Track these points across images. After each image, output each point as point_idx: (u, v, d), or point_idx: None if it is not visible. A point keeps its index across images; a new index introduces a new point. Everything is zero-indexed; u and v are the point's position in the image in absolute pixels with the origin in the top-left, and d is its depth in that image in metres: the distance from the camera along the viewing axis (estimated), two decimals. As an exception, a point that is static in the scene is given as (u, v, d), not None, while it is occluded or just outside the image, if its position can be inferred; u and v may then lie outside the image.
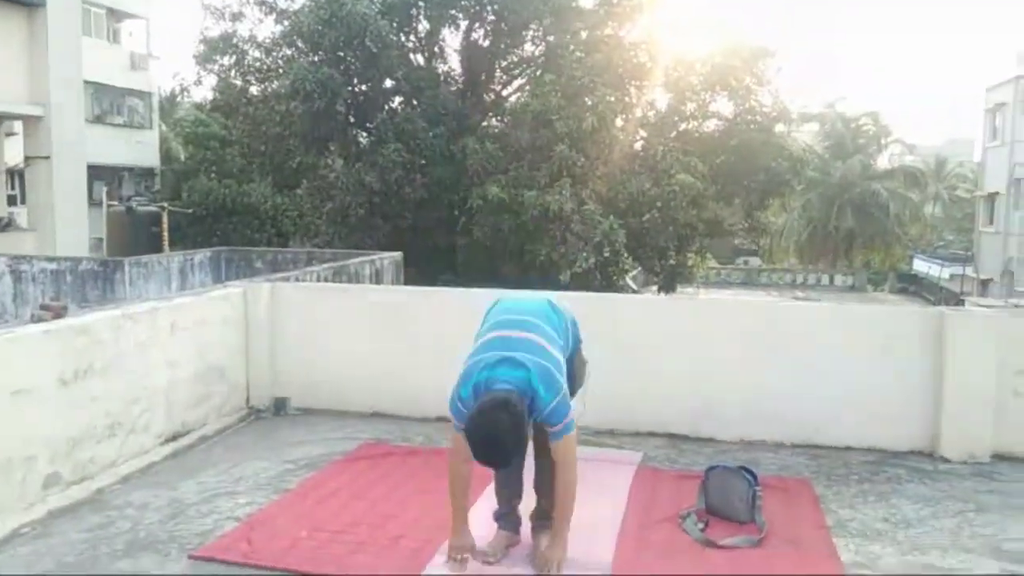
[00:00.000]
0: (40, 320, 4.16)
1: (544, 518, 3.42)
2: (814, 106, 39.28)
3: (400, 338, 5.61)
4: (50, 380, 3.97)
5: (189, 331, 5.06)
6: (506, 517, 3.47)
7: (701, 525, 3.73)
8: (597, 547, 3.53)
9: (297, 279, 7.82)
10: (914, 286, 38.54)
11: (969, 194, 40.41)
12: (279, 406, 5.68)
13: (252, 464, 4.60)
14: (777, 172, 17.99)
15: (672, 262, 18.05)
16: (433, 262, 15.95)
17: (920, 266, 40.55)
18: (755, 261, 44.06)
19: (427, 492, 4.14)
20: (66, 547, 3.52)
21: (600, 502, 4.02)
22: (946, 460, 4.72)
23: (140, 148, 27.41)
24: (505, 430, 2.97)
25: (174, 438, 4.90)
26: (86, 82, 20.79)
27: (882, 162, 41.95)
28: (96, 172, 22.44)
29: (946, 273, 36.07)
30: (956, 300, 26.98)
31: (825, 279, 39.54)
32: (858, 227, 37.91)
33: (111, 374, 4.37)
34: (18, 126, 16.25)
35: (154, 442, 4.73)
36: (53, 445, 3.99)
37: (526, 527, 3.51)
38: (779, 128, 18.84)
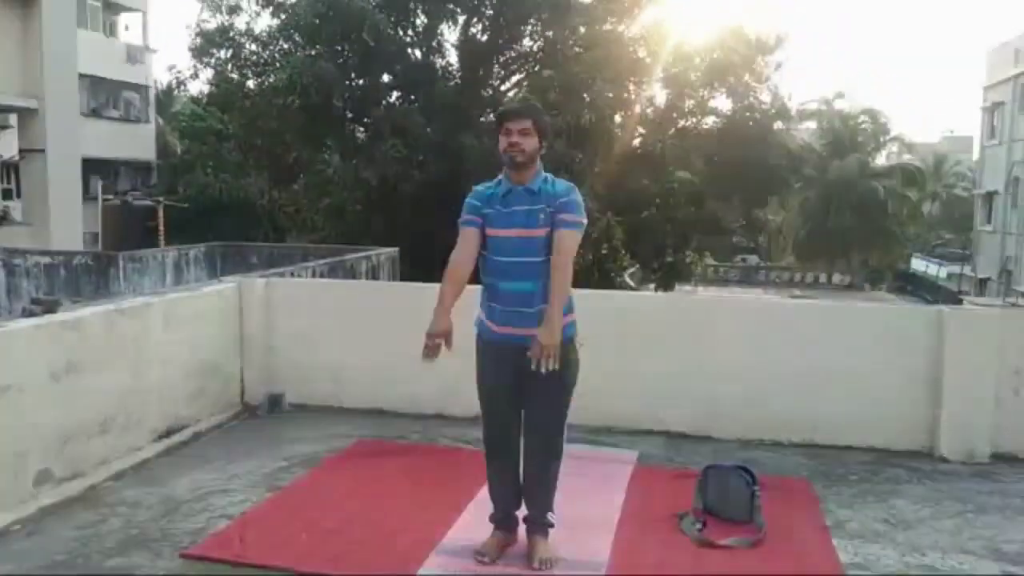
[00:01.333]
0: (31, 314, 4.10)
1: (539, 521, 3.38)
2: (812, 103, 39.39)
3: (396, 334, 5.53)
4: (41, 375, 3.92)
5: (183, 326, 5.01)
6: (502, 519, 3.43)
7: (699, 525, 3.69)
8: (593, 546, 3.50)
9: (293, 274, 7.78)
10: (912, 285, 38.60)
11: (967, 193, 40.48)
12: (274, 402, 5.64)
13: (246, 461, 4.56)
14: (775, 170, 17.96)
15: (670, 259, 18.03)
16: (430, 258, 15.86)
17: (918, 265, 40.63)
18: (753, 259, 44.10)
19: (422, 490, 4.11)
20: (58, 545, 3.48)
21: (596, 501, 3.99)
22: (945, 460, 4.70)
23: (136, 142, 27.31)
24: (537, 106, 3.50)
25: (167, 434, 4.85)
26: (82, 75, 20.69)
27: (880, 160, 41.96)
28: (92, 166, 22.37)
29: (944, 272, 36.15)
30: (954, 299, 27.01)
31: (823, 277, 39.60)
32: (856, 225, 37.91)
33: (103, 369, 4.32)
34: (13, 119, 16.17)
35: (147, 438, 4.69)
36: (45, 441, 3.94)
37: (521, 529, 3.46)
38: (778, 125, 18.81)
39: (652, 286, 19.81)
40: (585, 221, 3.32)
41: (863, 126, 40.06)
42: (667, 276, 18.74)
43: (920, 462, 4.69)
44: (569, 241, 3.23)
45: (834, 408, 4.94)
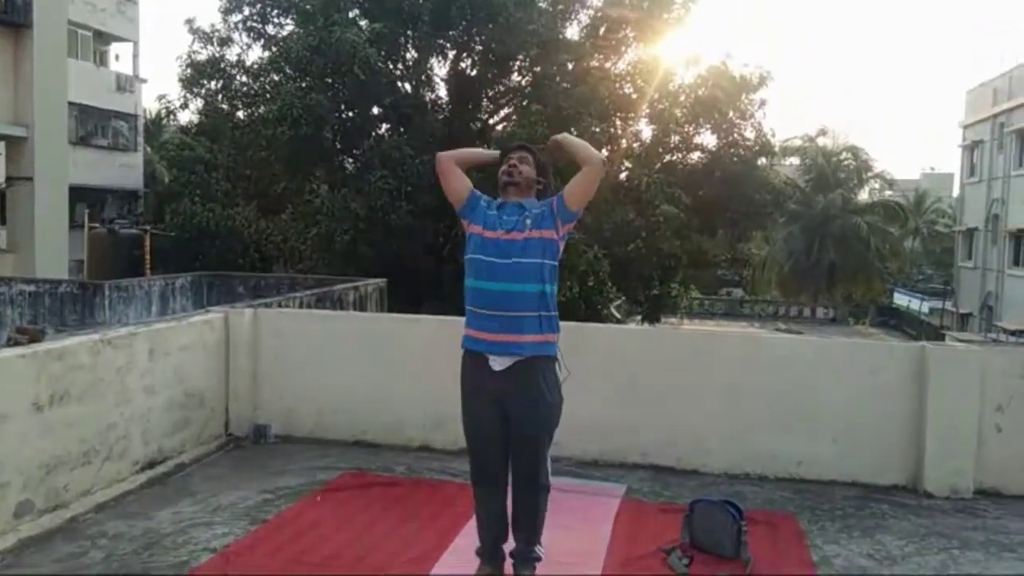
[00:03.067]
0: (16, 343, 4.07)
1: (525, 554, 3.36)
2: (796, 140, 39.97)
3: (383, 366, 5.56)
4: (24, 405, 3.89)
5: (168, 356, 4.99)
6: (489, 553, 3.41)
7: (686, 560, 3.68)
8: (581, 582, 3.48)
9: (280, 304, 7.75)
10: (894, 319, 38.93)
11: (948, 229, 41.01)
12: (259, 433, 5.60)
13: (230, 493, 4.52)
14: (759, 204, 18.18)
15: (656, 292, 18.12)
16: (418, 289, 15.90)
17: (900, 299, 41.02)
18: (738, 292, 44.34)
19: (409, 524, 4.08)
20: (36, 578, 3.42)
21: (584, 535, 3.98)
22: (929, 495, 4.72)
23: (124, 171, 27.27)
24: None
25: (151, 465, 4.80)
26: (71, 104, 20.70)
27: (863, 196, 42.53)
28: (79, 194, 22.29)
29: (926, 307, 36.51)
30: (936, 334, 27.27)
31: (807, 311, 39.86)
32: (839, 260, 38.29)
33: (88, 400, 4.29)
34: (1, 147, 16.14)
35: (130, 470, 4.64)
36: (26, 472, 3.89)
37: (508, 563, 3.44)
38: (762, 161, 19.07)
39: (638, 318, 19.88)
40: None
41: (846, 162, 40.65)
42: (653, 308, 18.82)
43: (905, 497, 4.71)
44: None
45: (819, 443, 4.97)
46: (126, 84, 27.28)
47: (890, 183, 44.05)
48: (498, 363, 3.25)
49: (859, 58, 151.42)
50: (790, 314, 39.67)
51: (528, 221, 3.31)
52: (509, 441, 3.32)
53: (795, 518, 4.33)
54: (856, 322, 39.15)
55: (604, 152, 15.90)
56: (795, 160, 41.42)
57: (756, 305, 41.08)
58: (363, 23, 16.58)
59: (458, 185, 3.46)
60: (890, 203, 41.27)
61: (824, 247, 38.17)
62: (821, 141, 40.32)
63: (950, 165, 47.89)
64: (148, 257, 15.76)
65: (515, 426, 3.27)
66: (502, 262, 3.26)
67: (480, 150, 3.67)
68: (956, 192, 39.47)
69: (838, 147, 40.61)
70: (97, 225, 17.89)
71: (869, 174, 41.85)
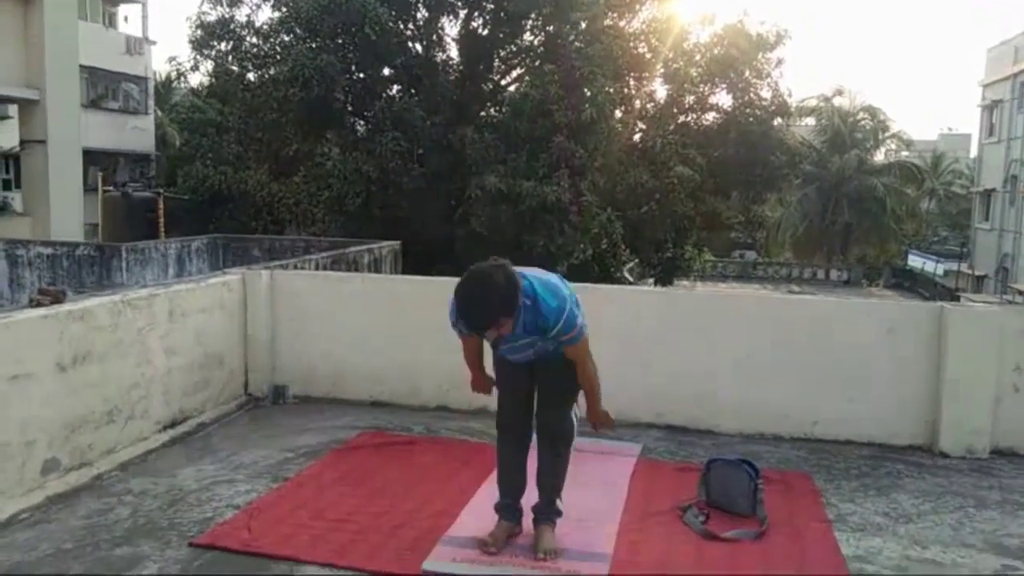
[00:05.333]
0: (38, 305, 4.11)
1: (546, 511, 3.41)
2: (812, 100, 39.40)
3: (399, 327, 5.59)
4: (48, 365, 3.94)
5: (188, 317, 5.03)
6: (508, 508, 3.46)
7: (702, 518, 3.72)
8: (597, 538, 3.52)
9: (296, 267, 7.78)
10: (909, 281, 38.66)
11: (965, 190, 40.51)
12: (278, 394, 5.66)
13: (251, 452, 4.59)
14: (775, 166, 18.00)
15: (669, 254, 18.06)
16: (430, 252, 15.91)
17: (915, 262, 40.67)
18: (751, 255, 44.12)
19: (427, 481, 4.14)
20: (65, 533, 3.50)
21: (599, 494, 4.02)
22: (945, 455, 4.73)
23: (136, 133, 27.23)
24: (495, 284, 2.96)
25: (172, 425, 4.87)
26: (81, 67, 20.61)
27: (879, 157, 42.00)
28: (92, 157, 22.31)
29: (941, 269, 36.20)
30: (951, 296, 27.09)
31: (820, 273, 39.64)
32: (854, 222, 37.98)
33: (109, 360, 4.34)
34: (13, 110, 16.12)
35: (152, 429, 4.71)
36: (51, 431, 3.96)
37: (528, 518, 3.49)
38: (777, 122, 18.83)
39: (651, 281, 19.85)
40: (582, 324, 3.25)
41: (862, 123, 40.08)
42: (666, 271, 18.77)
43: (920, 457, 4.73)
44: (578, 352, 3.32)
45: (835, 403, 4.97)
46: (135, 46, 27.11)
47: (907, 144, 43.47)
48: None
49: (877, 16, 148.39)
50: (803, 276, 39.46)
51: (539, 344, 3.29)
52: (536, 390, 3.40)
53: (811, 477, 4.36)
54: (870, 284, 38.92)
55: (618, 113, 15.76)
56: (811, 121, 40.89)
57: (769, 267, 40.87)
58: (374, -19, 16.34)
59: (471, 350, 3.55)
60: (907, 164, 40.74)
61: (839, 209, 37.85)
62: (837, 101, 39.76)
63: (968, 125, 47.12)
64: (162, 220, 15.82)
65: (544, 370, 3.34)
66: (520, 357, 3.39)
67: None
68: (974, 153, 38.93)
69: (855, 107, 40.02)
70: (111, 188, 17.96)
71: (886, 135, 41.28)
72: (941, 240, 44.48)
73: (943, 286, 33.29)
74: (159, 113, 29.19)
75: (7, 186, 18.53)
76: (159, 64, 28.86)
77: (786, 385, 5.03)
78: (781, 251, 42.42)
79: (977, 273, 31.88)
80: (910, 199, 39.58)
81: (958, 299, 25.12)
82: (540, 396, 3.38)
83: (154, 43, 29.02)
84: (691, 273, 21.43)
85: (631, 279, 23.19)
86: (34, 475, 3.85)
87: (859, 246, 40.04)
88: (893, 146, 43.52)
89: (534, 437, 3.46)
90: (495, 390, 3.56)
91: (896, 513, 3.89)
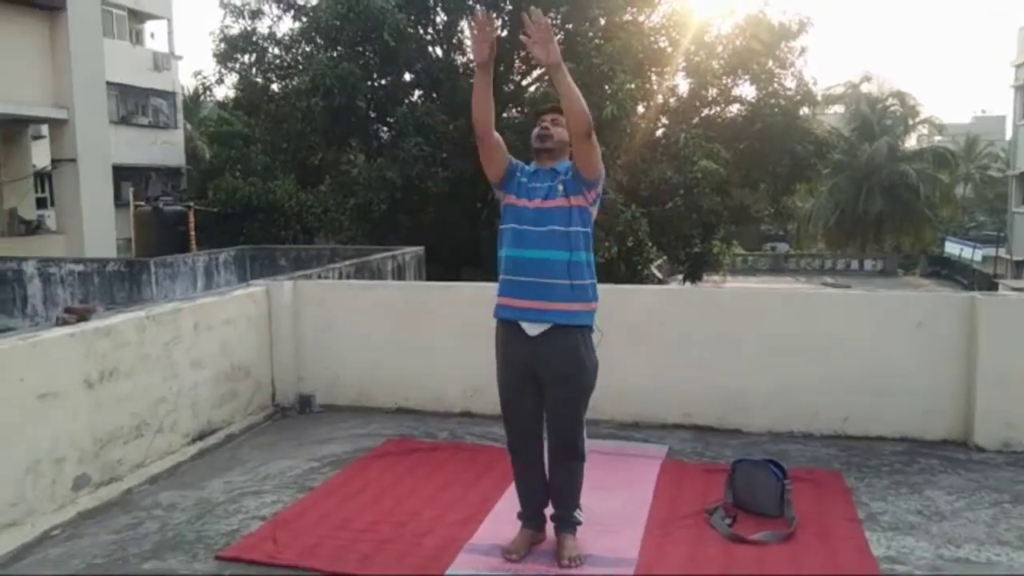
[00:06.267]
0: (65, 323, 4.18)
1: (566, 519, 3.38)
2: (839, 87, 38.84)
3: (422, 333, 5.60)
4: (76, 382, 4.01)
5: (213, 330, 5.09)
6: (529, 517, 3.44)
7: (729, 520, 3.67)
8: (622, 542, 3.49)
9: (319, 276, 7.84)
10: (946, 269, 37.97)
11: (1001, 173, 39.64)
12: (304, 403, 5.71)
13: (278, 462, 4.62)
14: (802, 156, 17.73)
15: (697, 250, 17.89)
16: (456, 255, 15.95)
17: (952, 248, 39.93)
18: (783, 247, 43.66)
19: (451, 489, 4.13)
20: (95, 548, 3.55)
21: (625, 497, 3.98)
22: (981, 449, 4.62)
23: (166, 148, 27.70)
24: None
25: (201, 437, 4.93)
26: (111, 84, 21.02)
27: (911, 143, 41.28)
28: (123, 173, 22.74)
29: (979, 255, 35.50)
30: (989, 283, 26.52)
31: (855, 264, 39.10)
32: (887, 210, 37.36)
33: (137, 375, 4.40)
34: (44, 130, 16.49)
35: (181, 442, 4.77)
36: (81, 447, 4.02)
37: (549, 526, 3.47)
38: (803, 111, 18.56)
39: (680, 277, 19.70)
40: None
41: (892, 109, 39.42)
42: (694, 267, 18.60)
43: (955, 452, 4.62)
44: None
45: (866, 398, 4.88)
46: (162, 62, 27.56)
47: (939, 128, 42.64)
48: (532, 328, 3.24)
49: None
50: (837, 267, 38.92)
51: (560, 187, 3.28)
52: (544, 410, 3.32)
53: (841, 475, 4.28)
54: (906, 273, 38.31)
55: (640, 108, 15.65)
56: (839, 108, 40.31)
57: (802, 259, 40.38)
58: (392, -12, 16.44)
59: (499, 161, 3.36)
60: (939, 149, 39.97)
61: (871, 197, 37.26)
62: (865, 88, 39.18)
63: (1003, 107, 46.04)
64: (192, 233, 16.05)
65: (550, 394, 3.27)
66: (534, 230, 3.24)
67: (476, 88, 3.23)
68: (1009, 135, 38.04)
69: (883, 93, 39.38)
70: (142, 203, 18.26)
71: (917, 120, 40.55)
72: (979, 225, 43.60)
73: (981, 273, 32.61)
74: (188, 127, 29.67)
75: (43, 204, 18.96)
76: (186, 79, 29.35)
77: (814, 382, 4.95)
78: (813, 242, 41.91)
79: (1016, 258, 31.16)
80: (944, 185, 38.84)
81: (996, 286, 24.58)
82: (550, 415, 3.32)
83: (180, 58, 29.58)
84: (721, 268, 21.19)
85: (660, 276, 23.05)
86: (65, 491, 3.91)
87: (893, 235, 39.38)
88: (925, 131, 42.75)
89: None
90: (503, 412, 3.44)
91: (929, 511, 3.80)
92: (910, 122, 40.26)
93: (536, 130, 3.37)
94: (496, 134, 3.36)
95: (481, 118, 3.29)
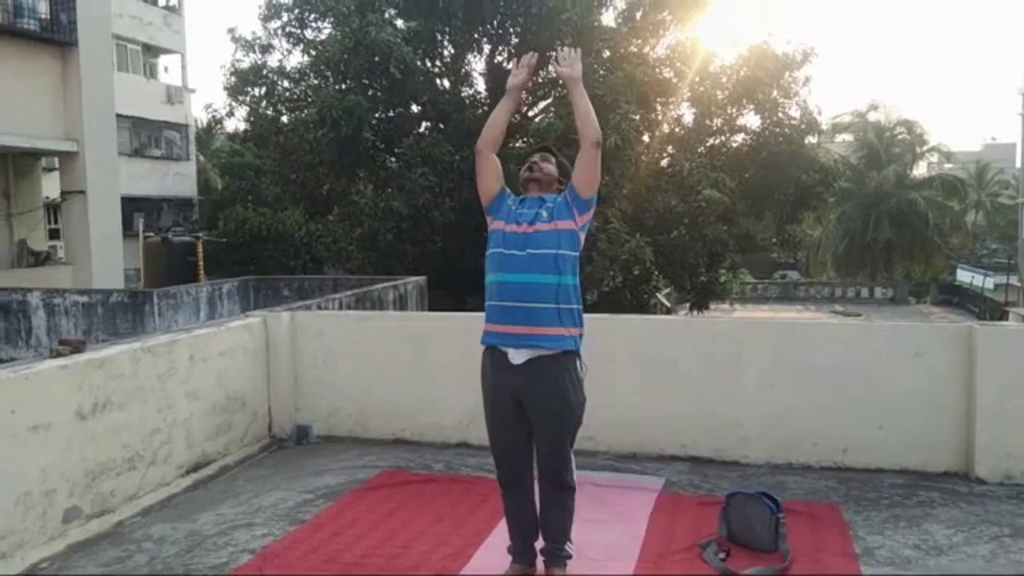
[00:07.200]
0: (59, 355, 4.19)
1: (556, 553, 3.34)
2: (846, 116, 38.95)
3: (420, 364, 5.59)
4: (69, 414, 4.01)
5: (209, 361, 5.09)
6: (519, 552, 3.40)
7: (722, 555, 3.61)
8: (613, 577, 3.44)
9: (320, 306, 7.86)
10: (957, 297, 37.70)
11: (1012, 200, 39.51)
12: (301, 434, 5.68)
13: (271, 494, 4.59)
14: (808, 185, 17.76)
15: (703, 279, 17.85)
16: (462, 285, 15.97)
17: (963, 276, 39.67)
18: (793, 275, 43.50)
19: (443, 522, 4.09)
20: (82, 582, 3.53)
21: (618, 530, 3.94)
22: (982, 482, 4.55)
23: (178, 179, 28.02)
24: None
25: (195, 469, 4.91)
26: (125, 117, 21.35)
27: (919, 171, 41.25)
28: (136, 204, 23.02)
29: (990, 283, 35.25)
30: (1000, 310, 26.30)
31: (864, 292, 38.86)
32: (897, 238, 37.23)
33: (130, 407, 4.40)
34: (55, 162, 16.69)
35: (175, 473, 4.75)
36: (73, 479, 4.02)
37: (540, 561, 3.42)
38: (808, 140, 18.61)
39: (687, 306, 19.64)
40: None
41: (899, 137, 39.44)
42: (701, 296, 18.55)
43: (956, 484, 4.55)
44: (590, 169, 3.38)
45: (865, 430, 4.82)
46: (175, 95, 27.98)
47: (948, 156, 42.63)
48: (517, 356, 3.22)
49: (910, 28, 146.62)
50: (847, 295, 38.70)
51: (544, 214, 3.30)
52: (532, 441, 3.30)
53: (839, 508, 4.21)
54: (917, 301, 38.04)
55: (645, 138, 15.74)
56: (848, 137, 40.39)
57: (812, 287, 40.20)
58: (399, 23, 16.69)
59: (491, 181, 3.46)
60: (948, 177, 39.95)
61: (880, 225, 37.17)
62: (872, 116, 39.24)
63: (1013, 134, 45.99)
64: (201, 263, 16.15)
65: (536, 426, 3.25)
66: (519, 254, 3.25)
67: (499, 109, 3.54)
68: (1019, 162, 37.98)
69: (890, 122, 39.45)
70: (152, 234, 18.43)
71: (925, 148, 40.55)
72: (990, 253, 43.35)
73: (992, 300, 32.35)
74: (201, 158, 30.02)
75: (55, 235, 19.13)
76: (199, 111, 29.74)
77: (813, 413, 4.90)
78: (823, 270, 41.74)
79: (1027, 285, 30.94)
80: (954, 212, 38.75)
81: (1007, 314, 24.37)
82: (537, 446, 3.30)
83: (193, 91, 29.98)
84: (728, 296, 21.13)
85: (668, 304, 22.99)
86: (55, 523, 3.90)
87: (904, 262, 39.20)
88: (934, 159, 42.73)
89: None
90: (491, 446, 3.45)
91: (927, 545, 3.73)
92: (918, 150, 40.26)
93: (525, 165, 3.47)
94: (495, 156, 3.48)
95: (490, 135, 3.48)
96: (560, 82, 17.26)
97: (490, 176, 3.46)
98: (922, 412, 4.75)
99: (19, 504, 3.71)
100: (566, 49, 3.48)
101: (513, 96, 3.51)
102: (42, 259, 15.96)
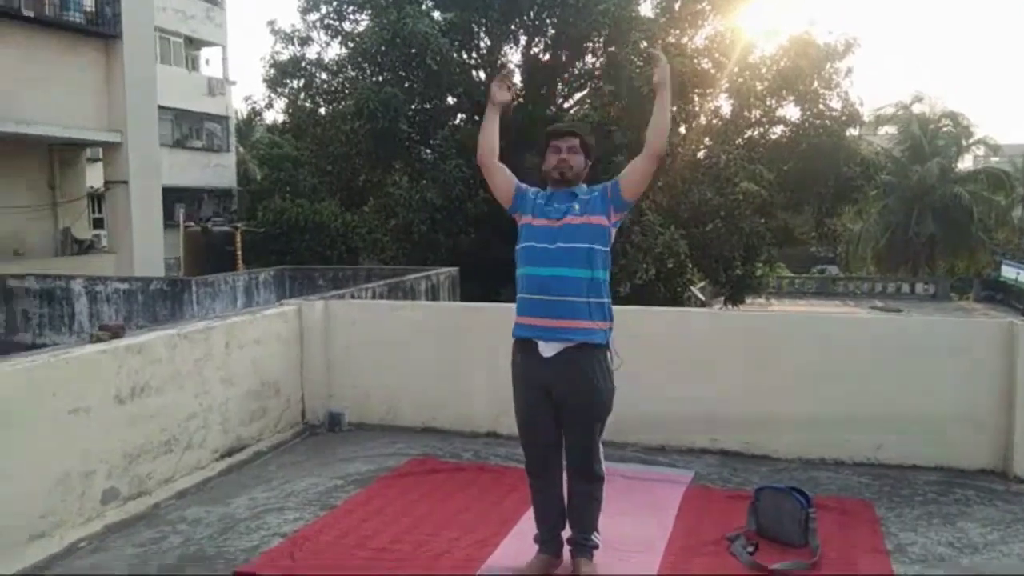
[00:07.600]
0: (99, 340, 4.30)
1: (583, 543, 3.34)
2: (890, 108, 38.12)
3: (451, 353, 5.63)
4: (107, 398, 4.11)
5: (244, 348, 5.18)
6: (546, 541, 3.41)
7: (750, 548, 3.59)
8: (639, 568, 3.44)
9: (353, 296, 7.94)
10: (1001, 293, 36.70)
11: (1062, 195, 38.40)
12: (334, 421, 5.76)
13: (303, 480, 4.67)
14: (849, 177, 17.40)
15: (739, 272, 17.63)
16: (495, 276, 15.99)
17: (1008, 272, 38.60)
18: (832, 269, 42.78)
19: (471, 510, 4.13)
20: (119, 562, 3.62)
21: (646, 522, 3.93)
22: (1020, 480, 4.45)
23: (218, 170, 28.45)
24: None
25: (229, 453, 5.01)
26: (167, 108, 21.71)
27: (965, 164, 40.22)
28: (178, 194, 23.43)
29: (1036, 280, 34.28)
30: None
31: (905, 287, 38.05)
32: (939, 232, 36.38)
33: (167, 391, 4.50)
34: (99, 153, 17.08)
35: (210, 457, 4.85)
36: (111, 461, 4.12)
37: (567, 550, 3.43)
38: (850, 132, 18.24)
39: (722, 299, 19.43)
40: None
41: (944, 129, 38.50)
42: (736, 289, 18.33)
43: (993, 482, 4.46)
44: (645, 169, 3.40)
45: (900, 426, 4.75)
46: (217, 87, 28.38)
47: (995, 149, 41.45)
48: (547, 349, 3.23)
49: (959, 17, 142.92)
50: (887, 291, 37.92)
51: (577, 207, 3.28)
52: (561, 432, 3.30)
53: (871, 505, 4.16)
54: (959, 297, 37.14)
55: (682, 130, 15.57)
56: (891, 129, 39.54)
57: (851, 282, 39.46)
58: (435, 14, 16.72)
59: (502, 182, 3.47)
60: (994, 170, 38.83)
61: (923, 219, 36.33)
62: (917, 108, 38.32)
63: (1063, 127, 44.56)
64: (239, 253, 16.42)
65: (566, 417, 3.26)
66: (549, 248, 3.25)
67: (488, 121, 3.50)
68: (1069, 155, 36.87)
69: (935, 114, 38.49)
70: (192, 224, 18.79)
71: (971, 140, 39.49)
72: (1037, 249, 42.14)
73: (1039, 297, 31.50)
74: (241, 150, 30.45)
75: (99, 224, 19.58)
76: (239, 103, 30.16)
77: (847, 408, 4.83)
78: (863, 265, 40.96)
79: (1076, 283, 30.05)
80: (1000, 206, 37.73)
81: (1055, 311, 23.70)
82: (566, 437, 3.30)
83: (234, 83, 30.43)
84: (764, 291, 20.81)
85: (702, 298, 22.76)
86: (94, 504, 4.01)
87: (946, 258, 38.29)
88: (980, 152, 41.63)
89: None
90: (520, 435, 3.46)
91: (961, 543, 3.67)
92: (964, 143, 39.24)
93: (552, 160, 3.36)
94: (499, 163, 3.50)
95: (487, 146, 3.48)
96: (596, 73, 17.29)
97: (501, 181, 3.47)
98: (960, 408, 4.66)
99: (59, 485, 3.82)
100: (658, 53, 3.42)
101: (499, 110, 3.50)
102: (86, 247, 16.36)
